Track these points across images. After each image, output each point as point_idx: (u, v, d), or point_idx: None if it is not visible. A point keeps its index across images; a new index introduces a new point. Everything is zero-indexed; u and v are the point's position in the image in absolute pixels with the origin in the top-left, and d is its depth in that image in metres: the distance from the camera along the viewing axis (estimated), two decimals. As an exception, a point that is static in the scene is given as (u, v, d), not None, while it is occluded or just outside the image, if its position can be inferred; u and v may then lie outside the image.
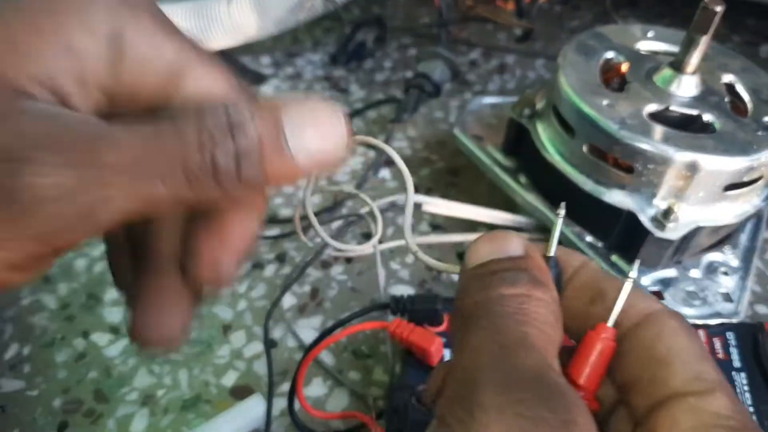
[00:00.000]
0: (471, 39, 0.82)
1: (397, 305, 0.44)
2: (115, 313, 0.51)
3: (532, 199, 0.51)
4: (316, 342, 0.44)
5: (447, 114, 0.71)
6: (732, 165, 0.43)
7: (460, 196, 0.61)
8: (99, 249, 0.56)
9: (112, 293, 0.53)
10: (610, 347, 0.22)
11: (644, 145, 0.43)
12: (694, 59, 0.47)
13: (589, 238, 0.48)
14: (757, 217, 0.53)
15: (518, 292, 0.22)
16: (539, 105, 0.53)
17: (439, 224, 0.59)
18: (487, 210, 0.53)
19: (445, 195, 0.61)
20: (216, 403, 0.46)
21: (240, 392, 0.47)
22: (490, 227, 0.57)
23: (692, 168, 0.43)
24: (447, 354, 0.43)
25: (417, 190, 0.61)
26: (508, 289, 0.22)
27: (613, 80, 0.51)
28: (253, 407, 0.44)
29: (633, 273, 0.23)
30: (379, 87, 0.75)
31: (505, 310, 0.21)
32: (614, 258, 0.47)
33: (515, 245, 0.23)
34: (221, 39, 0.64)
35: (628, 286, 0.22)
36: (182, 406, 0.46)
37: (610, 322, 0.22)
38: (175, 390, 0.47)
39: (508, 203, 0.54)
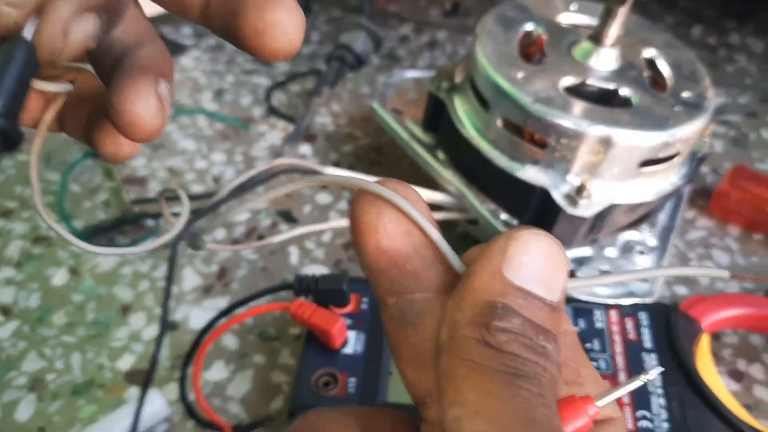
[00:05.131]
0: (402, 13, 0.80)
1: (301, 285, 0.42)
2: (5, 293, 0.48)
3: (449, 175, 0.49)
4: (211, 324, 0.42)
5: (374, 90, 0.68)
6: (647, 140, 0.42)
7: (384, 174, 0.58)
8: (-8, 226, 0.52)
9: (3, 272, 0.49)
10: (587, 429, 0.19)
11: (557, 120, 0.42)
12: (613, 31, 0.45)
13: (504, 216, 0.47)
14: (677, 196, 0.52)
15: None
16: (458, 78, 0.51)
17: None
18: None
19: (368, 172, 0.59)
20: (109, 388, 0.43)
21: (136, 377, 0.44)
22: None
23: (606, 143, 0.42)
24: (351, 336, 0.41)
25: (339, 166, 0.59)
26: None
27: (535, 54, 0.49)
28: (150, 403, 0.42)
29: (652, 374, 0.20)
30: (305, 60, 0.72)
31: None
32: (530, 236, 0.46)
33: None
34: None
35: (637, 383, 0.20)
36: (73, 391, 0.43)
37: (601, 402, 0.19)
38: (67, 374, 0.44)
39: (431, 182, 0.52)
